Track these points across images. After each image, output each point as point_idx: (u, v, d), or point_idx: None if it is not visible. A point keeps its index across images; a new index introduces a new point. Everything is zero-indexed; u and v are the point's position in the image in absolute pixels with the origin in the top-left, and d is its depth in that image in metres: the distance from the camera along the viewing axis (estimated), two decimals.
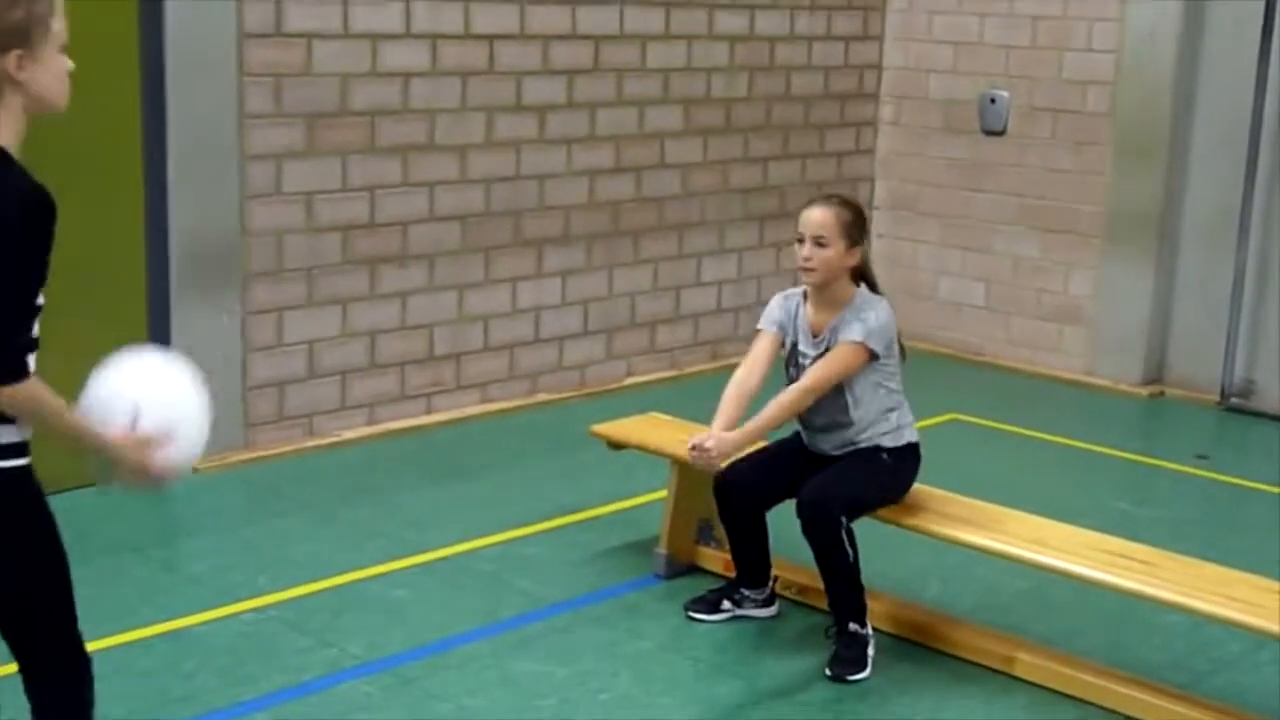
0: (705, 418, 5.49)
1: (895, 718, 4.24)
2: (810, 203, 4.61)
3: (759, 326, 4.69)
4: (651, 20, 7.41)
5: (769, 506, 4.67)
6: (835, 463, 4.54)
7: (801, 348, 4.58)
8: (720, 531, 5.10)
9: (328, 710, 4.10)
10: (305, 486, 5.93)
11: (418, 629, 4.64)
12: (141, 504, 5.71)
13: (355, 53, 6.31)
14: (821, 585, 4.56)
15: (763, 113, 8.05)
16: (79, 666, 3.02)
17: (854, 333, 4.43)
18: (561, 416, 6.94)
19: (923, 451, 4.63)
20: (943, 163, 8.53)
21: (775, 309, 4.67)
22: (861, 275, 4.58)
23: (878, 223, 8.64)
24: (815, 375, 4.46)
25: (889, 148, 8.74)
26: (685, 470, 5.07)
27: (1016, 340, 8.33)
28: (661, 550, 5.13)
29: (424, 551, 5.27)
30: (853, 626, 4.45)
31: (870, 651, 4.46)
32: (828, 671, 4.41)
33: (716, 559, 5.11)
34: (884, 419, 4.52)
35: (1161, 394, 7.86)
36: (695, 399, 6.54)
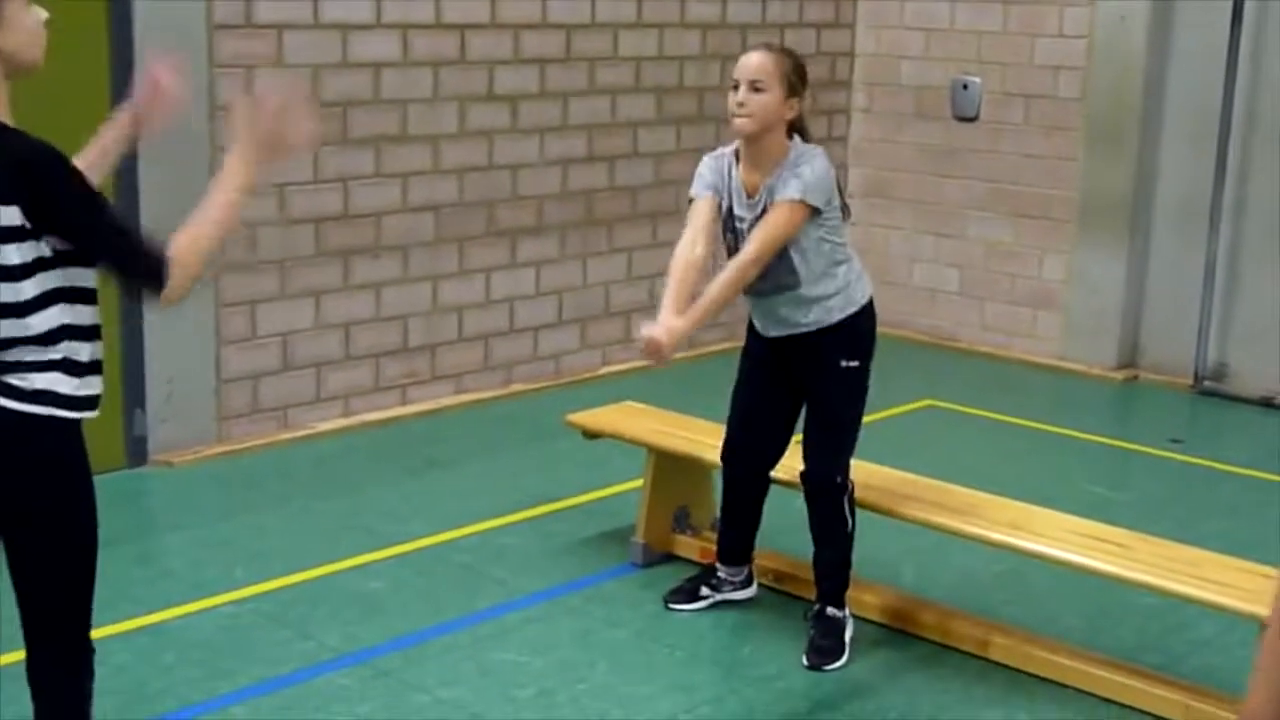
0: (681, 406, 5.53)
1: (872, 703, 4.25)
2: (749, 49, 4.34)
3: (691, 193, 4.34)
4: (623, 9, 7.40)
5: (776, 459, 4.60)
6: (811, 405, 4.44)
7: (737, 210, 4.29)
8: (697, 519, 5.12)
9: (306, 702, 4.09)
10: (280, 479, 5.91)
11: (395, 620, 4.63)
12: (117, 499, 5.69)
13: (326, 44, 6.28)
14: (800, 573, 4.58)
15: None
16: (86, 656, 3.02)
17: (791, 190, 4.14)
18: (537, 406, 6.94)
19: (875, 306, 4.42)
20: (915, 149, 8.55)
21: (706, 171, 4.34)
22: (797, 129, 4.30)
23: (852, 210, 8.63)
24: (757, 243, 4.13)
25: (861, 134, 8.75)
26: (661, 459, 5.08)
27: (990, 326, 8.35)
28: (638, 539, 5.13)
29: (400, 543, 5.26)
30: (830, 610, 4.45)
31: (848, 637, 4.47)
32: (805, 661, 4.41)
33: (693, 547, 5.12)
34: (830, 275, 4.29)
35: (1135, 378, 7.89)
36: (670, 388, 6.56)
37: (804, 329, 4.36)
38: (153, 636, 4.48)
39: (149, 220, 5.84)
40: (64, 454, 2.84)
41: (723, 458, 4.66)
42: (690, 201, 4.37)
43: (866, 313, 4.41)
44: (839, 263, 4.33)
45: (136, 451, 5.94)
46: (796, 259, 4.25)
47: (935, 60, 8.41)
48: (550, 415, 6.10)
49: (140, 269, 2.80)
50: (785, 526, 4.87)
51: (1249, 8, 7.35)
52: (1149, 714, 4.17)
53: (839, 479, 4.39)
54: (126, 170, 5.78)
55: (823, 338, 4.35)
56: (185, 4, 5.81)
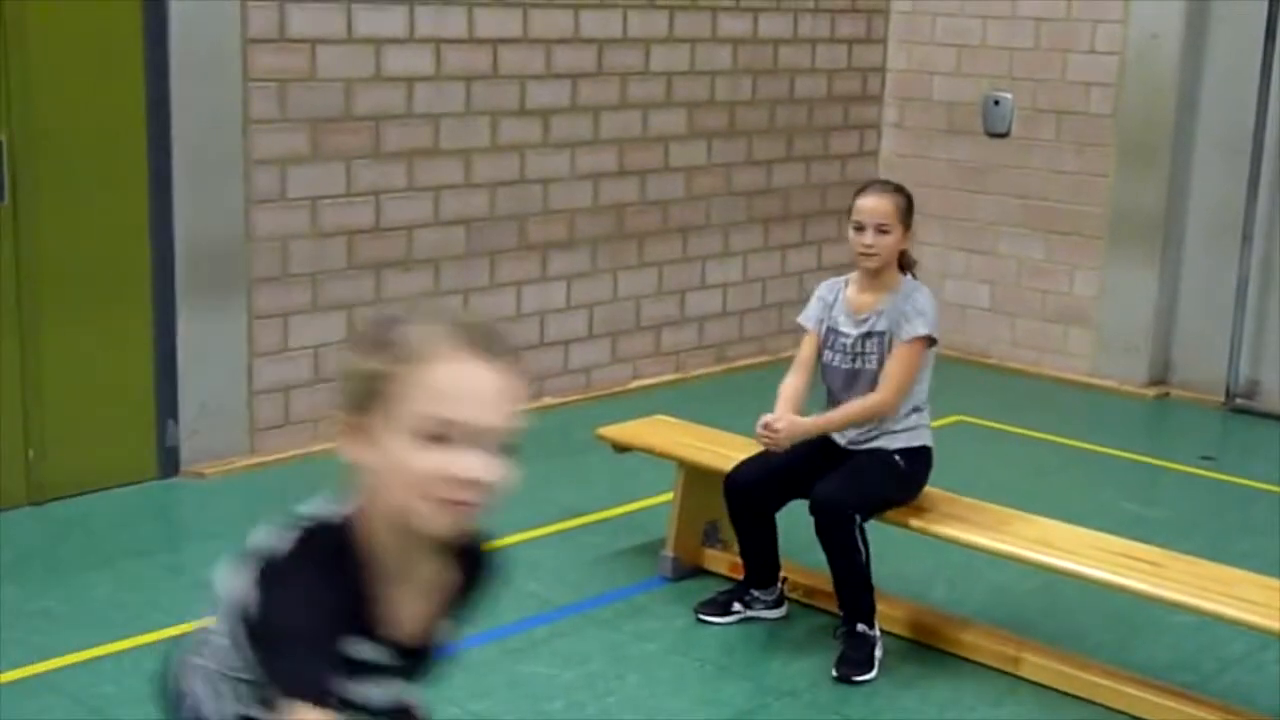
0: (711, 420, 5.53)
1: (901, 718, 4.24)
2: (865, 189, 4.68)
3: (800, 319, 4.76)
4: (655, 23, 7.42)
5: (778, 507, 4.68)
6: (846, 462, 4.54)
7: (842, 328, 4.61)
8: (726, 534, 5.11)
9: None
10: (311, 491, 5.91)
11: None
12: (148, 510, 5.72)
13: (359, 58, 6.32)
14: (829, 587, 4.57)
15: (766, 116, 8.06)
16: None
17: (918, 328, 4.50)
18: (567, 420, 6.94)
19: (934, 456, 4.64)
20: (946, 165, 8.54)
21: (815, 305, 4.73)
22: (905, 260, 4.68)
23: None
24: (895, 380, 4.50)
25: (893, 150, 8.75)
26: (691, 473, 5.08)
27: (1021, 342, 8.33)
28: (668, 553, 5.13)
29: None
30: (861, 627, 4.46)
31: (878, 653, 4.46)
32: (834, 672, 4.41)
33: (722, 561, 5.12)
34: (907, 415, 4.57)
35: (1167, 395, 7.86)
36: (700, 402, 6.56)
37: (860, 447, 4.59)
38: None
39: (185, 236, 5.90)
40: None
41: (726, 496, 4.70)
42: (800, 327, 4.78)
43: (924, 454, 4.64)
44: (916, 409, 4.61)
45: (169, 462, 5.97)
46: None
47: (967, 76, 8.40)
48: (580, 428, 6.10)
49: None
50: (815, 541, 4.86)
51: None
52: None
53: (848, 510, 4.40)
54: (161, 183, 5.83)
55: (879, 453, 4.58)
56: (220, 16, 5.85)
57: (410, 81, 6.50)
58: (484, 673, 4.38)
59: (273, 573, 1.99)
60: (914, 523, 4.54)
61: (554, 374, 7.32)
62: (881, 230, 4.54)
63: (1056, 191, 8.12)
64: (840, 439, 4.61)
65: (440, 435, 1.90)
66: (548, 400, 7.23)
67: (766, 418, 4.52)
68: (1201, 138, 7.73)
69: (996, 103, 8.26)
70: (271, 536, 2.04)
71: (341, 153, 6.31)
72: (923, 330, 4.50)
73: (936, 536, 4.52)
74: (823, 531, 4.42)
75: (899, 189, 4.68)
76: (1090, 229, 8.01)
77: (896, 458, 4.54)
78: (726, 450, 5.04)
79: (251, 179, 6.04)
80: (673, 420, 5.50)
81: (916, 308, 4.53)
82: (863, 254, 4.57)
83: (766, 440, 4.52)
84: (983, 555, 4.58)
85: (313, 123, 6.20)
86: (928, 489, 4.69)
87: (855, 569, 4.43)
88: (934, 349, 4.60)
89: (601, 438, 5.36)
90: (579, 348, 7.42)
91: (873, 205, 4.57)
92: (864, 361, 4.56)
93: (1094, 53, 7.91)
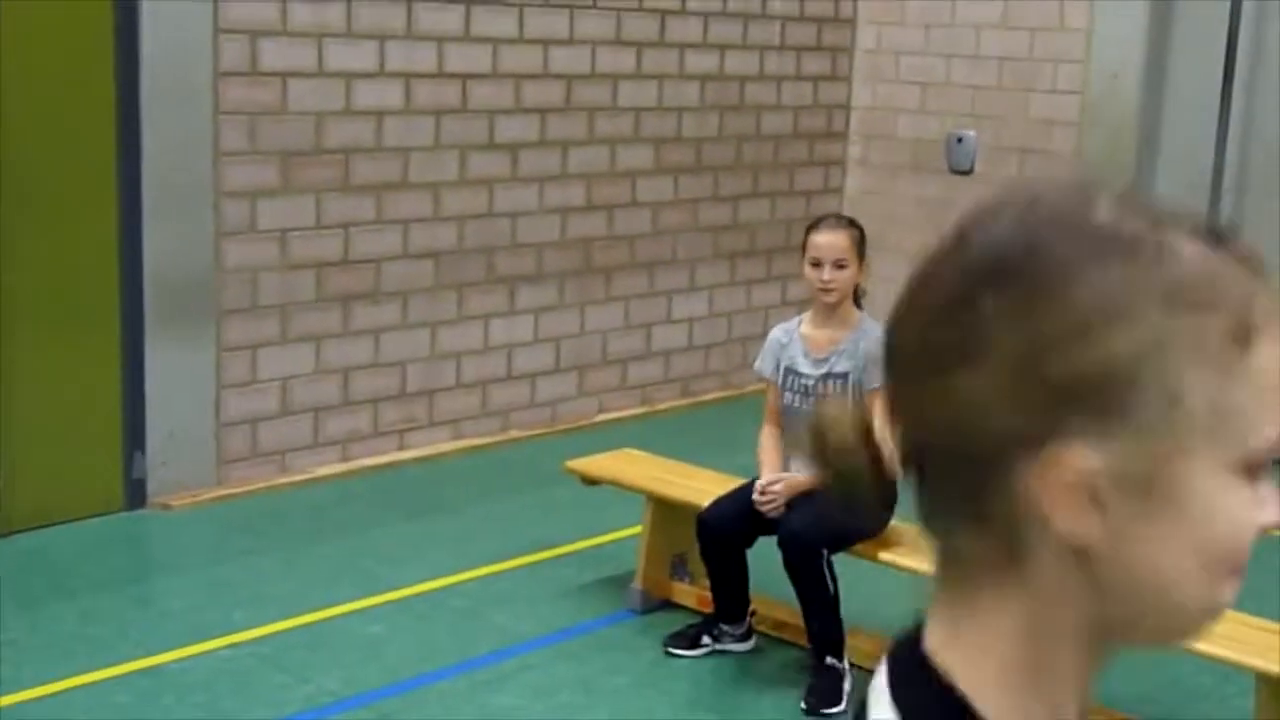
0: (678, 453, 5.55)
1: None
2: (818, 225, 4.71)
3: (757, 367, 4.83)
4: (623, 60, 7.47)
5: (749, 544, 4.70)
6: (813, 495, 4.57)
7: (801, 368, 4.65)
8: (694, 566, 5.13)
9: None
10: (278, 523, 5.93)
11: (394, 665, 4.64)
12: (115, 542, 5.70)
13: (329, 91, 6.34)
14: (798, 620, 4.60)
15: (733, 152, 8.12)
16: None
17: (876, 379, 4.49)
18: (534, 453, 6.96)
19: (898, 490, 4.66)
20: (912, 201, 8.61)
21: (768, 352, 4.77)
22: (856, 291, 4.71)
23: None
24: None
25: (857, 186, 8.82)
26: (660, 506, 5.10)
27: None
28: (636, 586, 5.15)
29: (399, 588, 5.27)
30: (830, 660, 4.49)
31: (847, 686, 4.49)
32: (803, 705, 4.43)
33: (690, 594, 5.13)
34: None
35: None
36: (667, 435, 6.59)
37: None
38: (152, 679, 4.48)
39: (154, 267, 5.90)
40: None
41: (699, 534, 4.73)
42: (757, 371, 4.86)
43: (892, 484, 4.53)
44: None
45: (135, 494, 5.95)
46: None
47: (931, 114, 8.49)
48: (548, 461, 6.12)
49: None
50: (783, 575, 4.89)
51: (1241, 64, 7.44)
52: None
53: (816, 545, 4.43)
54: (131, 214, 5.82)
55: None
56: (191, 50, 5.87)
57: (380, 115, 6.53)
58: (453, 704, 4.38)
59: None
60: (883, 556, 4.57)
61: (521, 407, 7.33)
62: (839, 265, 4.58)
63: None
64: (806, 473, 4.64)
65: (1255, 465, 0.97)
66: (514, 433, 7.24)
67: (761, 483, 4.56)
68: (1162, 177, 7.82)
69: (960, 140, 8.35)
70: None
71: (311, 185, 6.33)
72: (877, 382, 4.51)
73: (906, 570, 4.55)
74: (791, 567, 4.45)
75: (852, 222, 4.74)
76: None
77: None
78: (695, 484, 5.07)
79: (221, 210, 6.05)
80: (640, 454, 5.52)
81: (875, 356, 4.51)
82: (821, 289, 4.61)
83: (767, 505, 4.53)
84: None
85: (283, 155, 6.22)
86: (899, 524, 4.72)
87: (824, 603, 4.46)
88: None
89: (570, 471, 5.38)
90: (546, 381, 7.44)
91: (829, 241, 4.61)
92: None
93: (1055, 92, 8.01)
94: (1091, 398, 0.92)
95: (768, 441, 4.71)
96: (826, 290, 4.59)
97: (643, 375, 7.90)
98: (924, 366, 0.99)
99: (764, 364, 4.78)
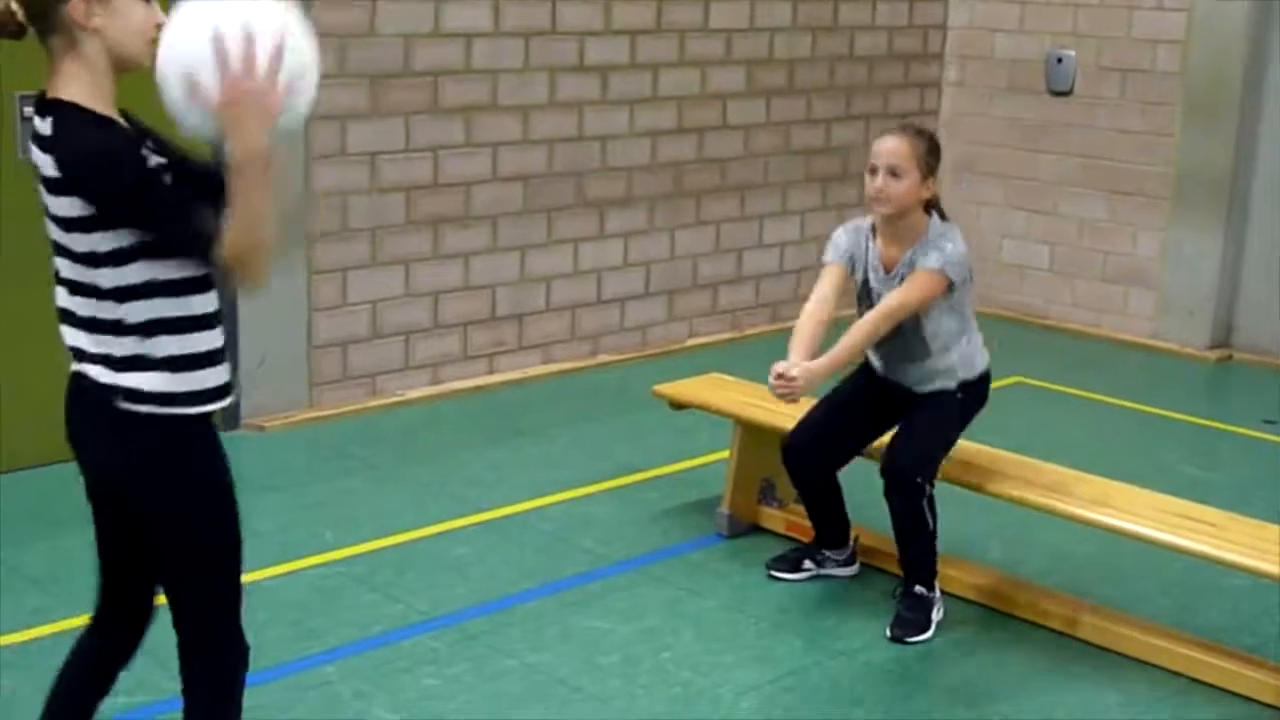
0: (766, 378, 5.50)
1: (956, 677, 4.23)
2: (884, 131, 4.44)
3: (825, 259, 4.51)
4: None
5: (839, 466, 4.64)
6: (908, 416, 4.48)
7: (874, 284, 4.43)
8: (783, 491, 5.11)
9: (395, 663, 4.15)
10: (369, 446, 5.98)
11: (481, 586, 4.68)
12: None
13: (418, 14, 6.32)
14: (889, 548, 4.56)
15: (826, 73, 8.00)
16: (232, 654, 3.01)
17: (932, 260, 4.29)
18: (623, 377, 6.95)
19: (990, 370, 4.58)
20: (1007, 124, 8.45)
21: (842, 239, 4.49)
22: (933, 206, 4.44)
23: (940, 185, 8.57)
24: (894, 301, 4.28)
25: (953, 109, 8.67)
26: (748, 431, 5.08)
27: (1081, 303, 8.25)
28: (724, 510, 5.14)
29: (486, 510, 5.30)
30: (919, 589, 4.44)
31: (935, 615, 4.45)
32: (888, 633, 4.40)
33: (779, 519, 5.12)
34: (956, 345, 4.42)
35: (1229, 358, 7.78)
36: (756, 360, 6.52)
37: (923, 390, 4.50)
38: (246, 596, 4.53)
39: None
40: (173, 450, 2.76)
41: (785, 461, 4.66)
42: (822, 266, 4.52)
43: (984, 378, 4.54)
44: (962, 334, 4.45)
45: (229, 416, 6.02)
46: (924, 329, 4.38)
47: (1030, 33, 8.30)
48: (637, 386, 6.11)
49: (193, 251, 2.64)
50: (874, 501, 4.85)
51: None
52: (1240, 696, 4.13)
53: (919, 479, 4.34)
54: None
55: (939, 395, 4.49)
56: None
57: (469, 37, 6.49)
58: (540, 626, 4.41)
59: None
60: (970, 481, 4.51)
61: (610, 331, 7.32)
62: (893, 173, 4.29)
63: (1120, 151, 8.02)
64: (894, 378, 4.52)
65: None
66: (604, 357, 7.24)
67: (779, 366, 4.22)
68: (1270, 97, 7.61)
69: (1060, 60, 8.17)
70: None
71: (400, 108, 6.32)
72: (934, 264, 4.27)
73: (994, 496, 4.50)
74: (892, 499, 4.38)
75: (920, 131, 4.42)
76: (1154, 189, 7.91)
77: (959, 395, 4.47)
78: (783, 409, 5.01)
79: (312, 134, 6.06)
80: (729, 378, 5.49)
81: (938, 244, 4.30)
82: (873, 198, 4.33)
83: (783, 392, 4.23)
84: (1040, 516, 4.55)
85: (372, 78, 6.21)
86: (985, 449, 4.67)
87: (921, 536, 4.40)
88: (962, 291, 4.36)
89: (658, 395, 5.36)
90: (635, 305, 7.42)
91: (886, 147, 4.31)
92: None
93: (1161, 9, 7.79)
94: None
95: (808, 323, 4.36)
96: (877, 199, 4.31)
97: (733, 300, 7.85)
98: None
99: (835, 251, 4.48)
